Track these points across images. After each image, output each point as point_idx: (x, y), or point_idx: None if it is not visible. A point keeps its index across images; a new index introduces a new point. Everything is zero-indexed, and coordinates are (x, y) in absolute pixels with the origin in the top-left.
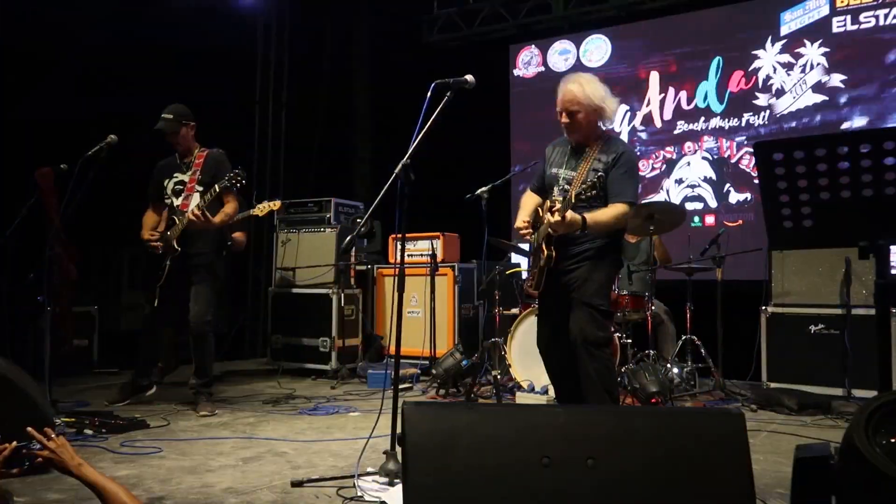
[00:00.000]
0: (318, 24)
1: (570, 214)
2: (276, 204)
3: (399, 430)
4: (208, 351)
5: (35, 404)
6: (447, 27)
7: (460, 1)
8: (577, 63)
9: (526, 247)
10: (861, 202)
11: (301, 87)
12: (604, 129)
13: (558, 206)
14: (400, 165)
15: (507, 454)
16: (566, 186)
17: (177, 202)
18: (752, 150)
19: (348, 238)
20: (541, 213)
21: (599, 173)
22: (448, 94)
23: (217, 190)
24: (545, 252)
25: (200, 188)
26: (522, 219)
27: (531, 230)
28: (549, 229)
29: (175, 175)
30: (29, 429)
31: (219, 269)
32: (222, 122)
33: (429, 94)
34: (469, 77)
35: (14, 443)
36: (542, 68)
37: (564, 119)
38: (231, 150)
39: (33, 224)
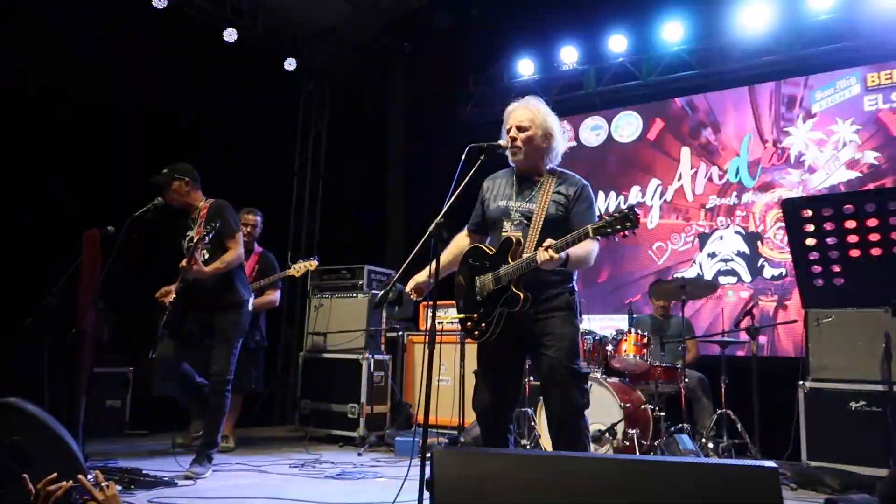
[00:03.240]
0: (357, 96)
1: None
2: (312, 264)
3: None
4: (222, 410)
5: (71, 451)
6: (482, 102)
7: (495, 79)
8: (609, 137)
9: None
10: (892, 259)
11: (338, 157)
12: (551, 164)
13: (550, 242)
14: (434, 224)
15: (538, 501)
16: (525, 221)
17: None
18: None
19: (381, 293)
20: (486, 251)
21: (562, 207)
22: (482, 157)
23: (206, 238)
24: (521, 295)
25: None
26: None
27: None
28: (541, 267)
29: (187, 234)
30: (80, 476)
31: (236, 326)
32: (263, 189)
33: (463, 156)
34: (503, 142)
35: (70, 482)
36: (574, 143)
37: (513, 134)
38: (270, 215)
39: (76, 284)
